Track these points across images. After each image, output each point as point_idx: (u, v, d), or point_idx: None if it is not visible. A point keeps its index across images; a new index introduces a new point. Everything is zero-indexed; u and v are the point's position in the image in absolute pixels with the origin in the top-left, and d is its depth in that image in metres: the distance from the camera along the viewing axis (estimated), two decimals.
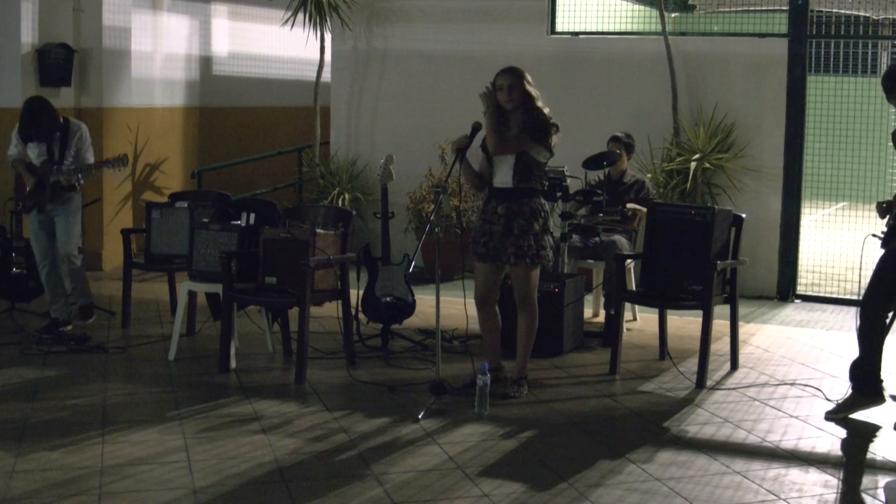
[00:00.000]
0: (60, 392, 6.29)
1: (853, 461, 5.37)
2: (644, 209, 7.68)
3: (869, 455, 5.43)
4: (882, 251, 5.88)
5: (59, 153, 7.55)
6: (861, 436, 5.72)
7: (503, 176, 6.13)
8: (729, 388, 6.55)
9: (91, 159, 7.68)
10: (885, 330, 5.88)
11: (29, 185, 7.58)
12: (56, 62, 9.79)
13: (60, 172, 7.52)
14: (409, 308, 7.43)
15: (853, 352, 6.02)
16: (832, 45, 9.46)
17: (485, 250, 6.18)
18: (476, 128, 6.12)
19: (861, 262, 6.06)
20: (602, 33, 10.03)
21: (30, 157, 7.61)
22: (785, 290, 9.40)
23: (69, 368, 6.82)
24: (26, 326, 7.75)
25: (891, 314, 5.92)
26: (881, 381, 5.92)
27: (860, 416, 5.93)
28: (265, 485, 4.82)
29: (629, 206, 7.86)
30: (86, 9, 10.12)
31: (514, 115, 6.12)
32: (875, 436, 5.69)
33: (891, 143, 6.04)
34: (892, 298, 5.88)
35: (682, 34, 9.84)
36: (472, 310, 6.44)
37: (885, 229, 5.86)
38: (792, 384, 6.66)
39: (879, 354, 5.88)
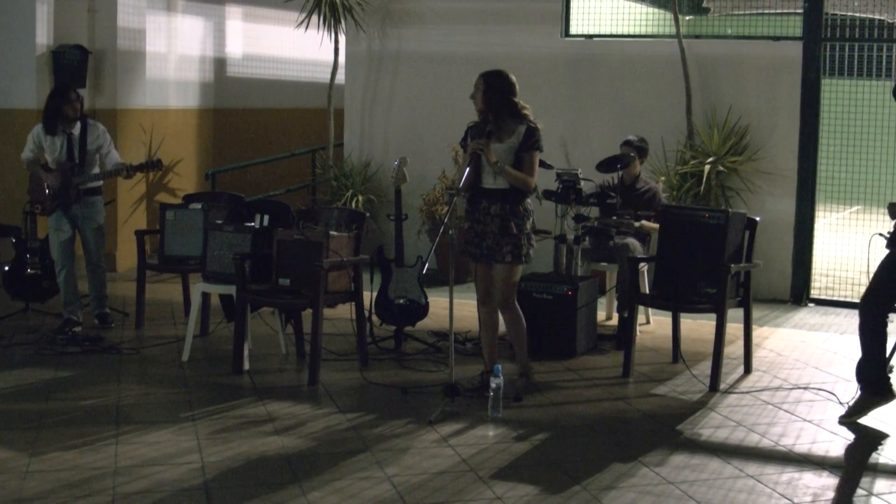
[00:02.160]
0: (74, 393, 6.32)
1: (866, 465, 5.35)
2: (656, 226, 7.67)
3: (882, 459, 5.41)
4: (887, 251, 5.87)
5: (79, 149, 7.59)
6: (874, 439, 5.70)
7: (490, 177, 6.15)
8: (742, 392, 6.54)
9: (118, 157, 7.78)
10: (886, 328, 5.86)
11: (49, 183, 7.59)
12: (71, 63, 9.82)
13: (88, 178, 7.59)
14: (422, 310, 7.43)
15: None
16: (847, 49, 9.42)
17: (478, 251, 6.20)
18: (490, 133, 6.13)
19: (868, 261, 6.04)
20: (616, 36, 10.02)
21: (46, 156, 7.63)
22: (798, 293, 9.37)
23: (83, 369, 6.84)
24: (41, 327, 7.78)
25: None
26: (889, 377, 5.90)
27: (873, 419, 5.92)
28: (278, 486, 4.82)
29: (643, 223, 7.80)
30: (100, 10, 10.16)
31: (487, 114, 6.18)
32: (888, 438, 5.67)
33: None
34: (893, 299, 5.87)
35: (697, 37, 9.83)
36: None
37: (892, 229, 5.85)
38: (805, 388, 6.64)
39: (883, 352, 5.86)
